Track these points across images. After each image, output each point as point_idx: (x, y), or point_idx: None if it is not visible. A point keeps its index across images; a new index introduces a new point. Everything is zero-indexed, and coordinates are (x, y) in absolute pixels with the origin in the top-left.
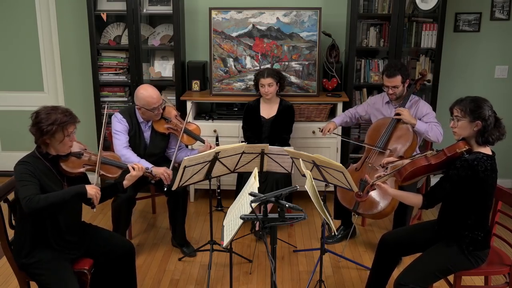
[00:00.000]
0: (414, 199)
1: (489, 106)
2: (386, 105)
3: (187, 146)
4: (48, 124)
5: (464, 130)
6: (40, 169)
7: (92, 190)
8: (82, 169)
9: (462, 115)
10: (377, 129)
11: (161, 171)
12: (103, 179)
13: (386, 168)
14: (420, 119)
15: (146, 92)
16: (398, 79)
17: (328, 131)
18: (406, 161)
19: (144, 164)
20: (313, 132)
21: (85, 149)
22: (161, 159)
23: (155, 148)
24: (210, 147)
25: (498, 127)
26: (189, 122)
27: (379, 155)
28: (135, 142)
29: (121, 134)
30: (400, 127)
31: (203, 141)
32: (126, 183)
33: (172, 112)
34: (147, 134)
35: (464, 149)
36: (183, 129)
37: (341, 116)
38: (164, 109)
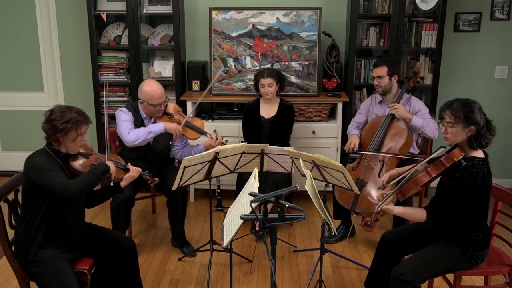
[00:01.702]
0: (418, 214)
1: (479, 109)
2: (379, 105)
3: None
4: (62, 122)
5: (457, 137)
6: (53, 164)
7: (112, 166)
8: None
9: (456, 122)
10: (372, 128)
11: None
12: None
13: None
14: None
15: (150, 87)
16: (383, 70)
17: (354, 147)
18: (404, 172)
19: None
20: (313, 132)
21: (92, 150)
22: (164, 156)
23: (158, 145)
24: (216, 139)
25: (489, 129)
26: (193, 117)
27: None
28: None
29: (127, 122)
30: (395, 124)
31: (206, 134)
32: (124, 183)
33: (174, 108)
34: None
35: (461, 156)
36: (184, 122)
37: (355, 129)
38: (166, 105)
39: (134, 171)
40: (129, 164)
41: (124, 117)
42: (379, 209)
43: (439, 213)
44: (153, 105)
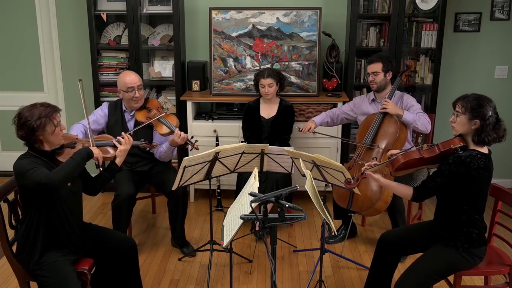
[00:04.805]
0: (404, 190)
1: (492, 107)
2: (372, 103)
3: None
4: (35, 119)
5: (461, 127)
6: (38, 163)
7: (96, 150)
8: None
9: (462, 112)
10: (366, 126)
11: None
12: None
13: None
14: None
15: (123, 75)
16: (378, 66)
17: (308, 130)
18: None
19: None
20: (313, 132)
21: (77, 139)
22: (144, 153)
23: (137, 139)
24: (180, 135)
25: (497, 129)
26: (170, 114)
27: (368, 151)
28: (118, 131)
29: (88, 119)
30: (387, 120)
31: (173, 131)
32: (118, 160)
33: (155, 103)
34: (130, 124)
35: (459, 145)
36: (158, 117)
37: (322, 116)
38: (147, 100)
39: (125, 143)
40: (118, 138)
41: (95, 112)
42: (364, 172)
43: (427, 195)
44: (126, 90)
